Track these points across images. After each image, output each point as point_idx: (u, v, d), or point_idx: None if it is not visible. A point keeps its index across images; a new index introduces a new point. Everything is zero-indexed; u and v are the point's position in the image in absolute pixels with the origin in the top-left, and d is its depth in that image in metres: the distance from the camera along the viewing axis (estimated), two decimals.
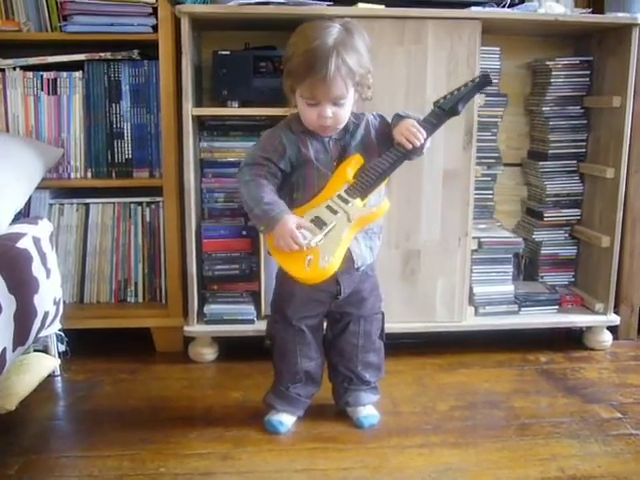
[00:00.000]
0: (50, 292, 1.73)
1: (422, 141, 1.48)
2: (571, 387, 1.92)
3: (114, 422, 1.70)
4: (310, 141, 1.52)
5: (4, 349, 1.44)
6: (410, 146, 1.47)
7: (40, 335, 1.73)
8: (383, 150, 1.52)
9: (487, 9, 2.01)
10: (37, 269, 1.65)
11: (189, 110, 1.93)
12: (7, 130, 2.07)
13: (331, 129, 1.50)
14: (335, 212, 1.47)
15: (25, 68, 2.06)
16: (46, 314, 1.69)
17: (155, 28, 2.00)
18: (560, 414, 1.76)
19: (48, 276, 1.72)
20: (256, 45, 2.08)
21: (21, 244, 1.61)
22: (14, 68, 2.06)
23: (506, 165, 2.35)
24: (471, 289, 2.15)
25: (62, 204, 2.13)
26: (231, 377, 1.97)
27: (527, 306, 2.20)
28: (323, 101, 1.44)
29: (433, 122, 1.51)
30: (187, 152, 1.96)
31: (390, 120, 1.56)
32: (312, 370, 1.67)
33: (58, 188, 2.14)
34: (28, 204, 2.05)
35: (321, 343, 1.70)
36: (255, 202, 1.48)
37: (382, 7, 1.94)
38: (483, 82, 1.54)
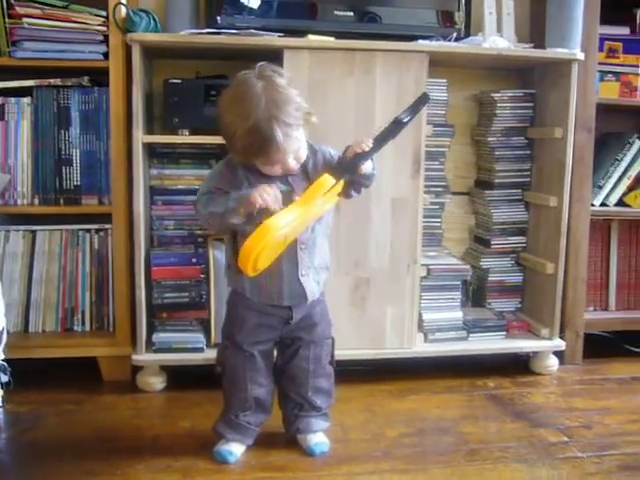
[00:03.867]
0: None
1: (370, 145, 1.49)
2: (519, 412, 1.95)
3: (59, 455, 1.65)
4: (269, 182, 1.48)
5: None
6: (360, 150, 1.48)
7: None
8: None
9: (434, 42, 2.07)
10: None
11: (139, 137, 1.93)
12: None
13: (296, 169, 1.51)
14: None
15: None
16: None
17: (106, 55, 1.99)
18: (508, 439, 1.77)
19: None
20: (208, 74, 2.10)
21: None
22: None
23: (454, 194, 2.40)
24: (420, 316, 2.18)
25: (8, 231, 2.09)
26: (180, 406, 1.94)
27: (475, 332, 2.23)
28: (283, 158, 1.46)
29: (381, 132, 1.53)
30: (137, 179, 1.95)
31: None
32: (262, 397, 1.66)
33: (4, 214, 2.10)
34: None
35: (271, 370, 1.69)
36: (223, 203, 1.47)
37: (332, 39, 1.98)
38: (422, 99, 1.59)
